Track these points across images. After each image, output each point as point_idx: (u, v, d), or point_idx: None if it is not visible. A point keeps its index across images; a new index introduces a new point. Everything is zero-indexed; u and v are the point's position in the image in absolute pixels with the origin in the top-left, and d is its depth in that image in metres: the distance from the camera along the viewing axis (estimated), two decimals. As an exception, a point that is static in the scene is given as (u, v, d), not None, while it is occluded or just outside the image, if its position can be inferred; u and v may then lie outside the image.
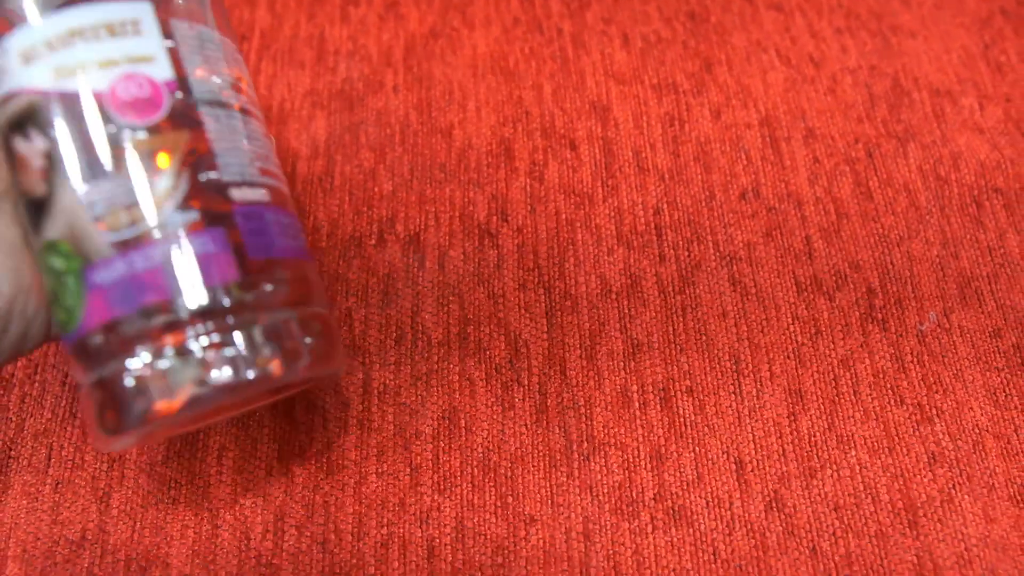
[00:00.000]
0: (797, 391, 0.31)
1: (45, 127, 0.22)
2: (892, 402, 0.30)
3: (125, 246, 0.22)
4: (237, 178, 0.24)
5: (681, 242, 0.33)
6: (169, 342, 0.21)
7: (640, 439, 0.30)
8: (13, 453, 0.29)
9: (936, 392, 0.31)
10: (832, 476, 0.29)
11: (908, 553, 0.28)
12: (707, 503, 0.29)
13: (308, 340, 0.23)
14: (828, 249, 0.33)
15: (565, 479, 0.29)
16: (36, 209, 0.22)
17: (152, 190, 0.22)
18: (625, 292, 0.32)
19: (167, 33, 0.23)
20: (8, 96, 0.22)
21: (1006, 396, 0.31)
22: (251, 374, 0.22)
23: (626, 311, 0.32)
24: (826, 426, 0.30)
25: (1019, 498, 0.29)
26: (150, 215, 0.22)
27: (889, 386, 0.31)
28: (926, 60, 0.37)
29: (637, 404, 0.30)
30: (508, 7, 0.38)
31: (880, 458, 0.30)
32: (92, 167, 0.22)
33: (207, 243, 0.22)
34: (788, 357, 0.31)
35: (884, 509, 0.29)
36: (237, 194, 0.23)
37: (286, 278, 0.24)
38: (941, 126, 0.36)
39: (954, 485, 0.29)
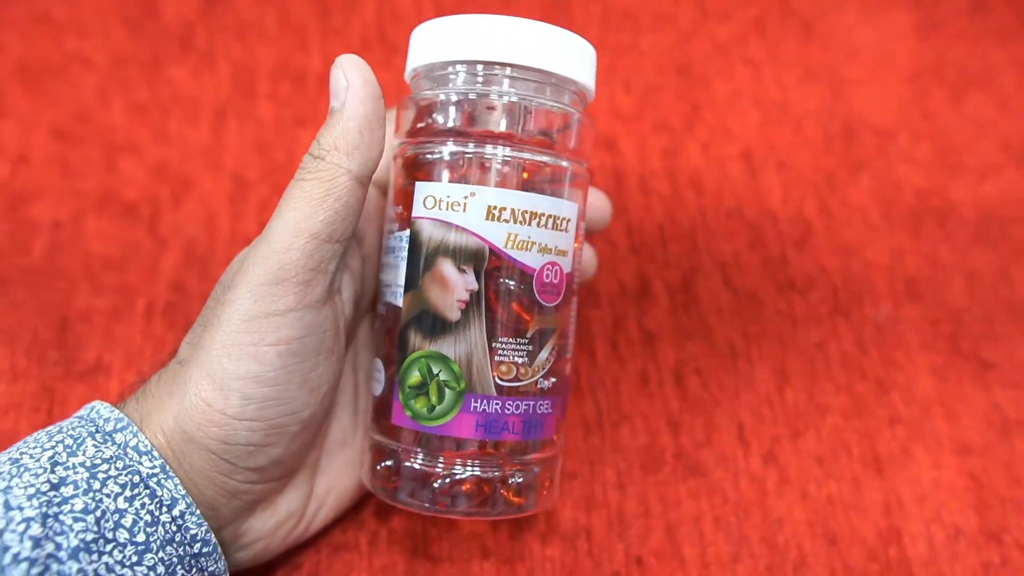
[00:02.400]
0: (782, 370, 0.38)
1: (480, 272, 0.27)
2: (857, 377, 0.38)
3: (504, 392, 0.27)
4: (569, 354, 0.29)
5: (681, 252, 0.40)
6: (487, 466, 0.28)
7: (659, 410, 0.36)
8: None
9: (892, 369, 0.38)
10: (814, 436, 0.36)
11: (877, 494, 0.35)
12: (716, 459, 0.35)
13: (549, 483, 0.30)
14: (800, 257, 0.41)
15: (599, 442, 0.35)
16: (437, 324, 0.27)
17: (538, 357, 0.28)
18: (639, 292, 0.39)
19: (576, 233, 0.29)
20: (455, 227, 0.27)
21: (946, 372, 0.38)
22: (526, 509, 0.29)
23: (641, 307, 0.39)
24: (807, 397, 0.37)
25: (960, 451, 0.36)
26: (529, 375, 0.27)
27: (854, 365, 0.38)
28: (870, 105, 0.46)
29: (655, 382, 0.37)
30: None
31: (851, 421, 0.36)
32: (506, 325, 0.27)
33: (548, 406, 0.28)
34: (773, 343, 0.38)
35: (856, 461, 0.35)
36: (567, 368, 0.29)
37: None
38: (884, 159, 0.44)
39: (910, 441, 0.36)
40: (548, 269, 0.28)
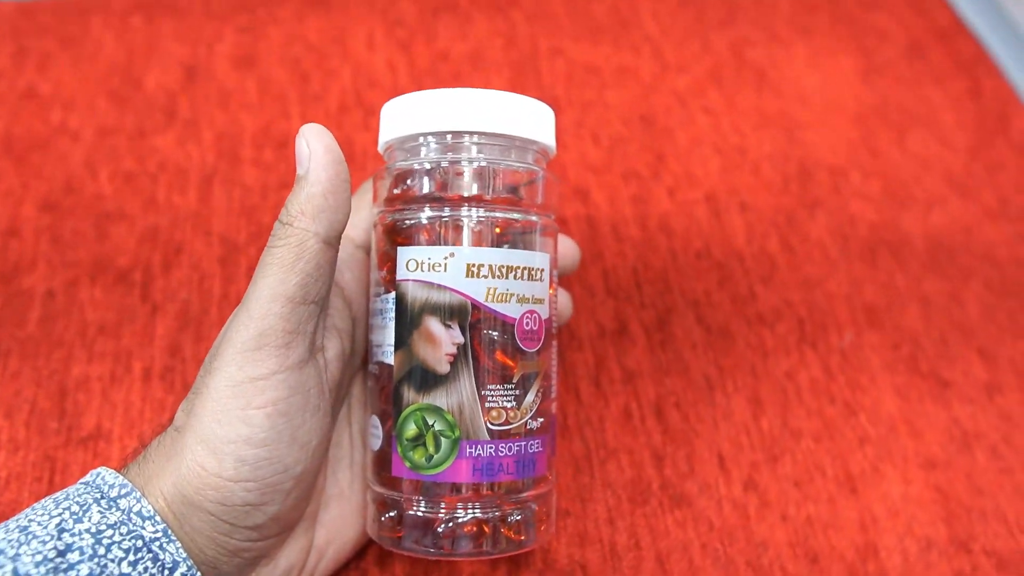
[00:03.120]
0: (756, 399, 0.40)
1: (464, 326, 0.28)
2: (827, 402, 0.40)
3: (496, 435, 0.29)
4: (553, 394, 0.31)
5: (655, 293, 0.42)
6: (488, 509, 0.29)
7: (643, 444, 0.38)
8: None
9: (858, 392, 0.40)
10: (790, 460, 0.38)
11: (852, 512, 0.37)
12: (699, 488, 0.37)
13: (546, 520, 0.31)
14: (766, 292, 0.43)
15: (589, 479, 0.37)
16: (428, 378, 0.29)
17: (524, 400, 0.29)
18: (617, 333, 0.41)
19: (550, 281, 0.31)
20: (438, 286, 0.28)
21: (908, 392, 0.41)
22: (522, 546, 0.30)
23: (620, 347, 0.41)
24: (781, 423, 0.39)
25: (926, 465, 0.38)
26: (518, 418, 0.29)
27: (823, 390, 0.40)
28: (822, 147, 0.49)
29: (637, 418, 0.39)
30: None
31: (823, 444, 0.39)
32: (493, 373, 0.29)
33: (538, 444, 0.30)
34: (746, 374, 0.40)
35: (831, 481, 0.38)
36: (553, 407, 0.31)
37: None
38: (838, 196, 0.47)
39: (879, 459, 0.38)
40: (527, 317, 0.30)
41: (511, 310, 0.29)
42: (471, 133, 0.30)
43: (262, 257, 0.28)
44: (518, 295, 0.29)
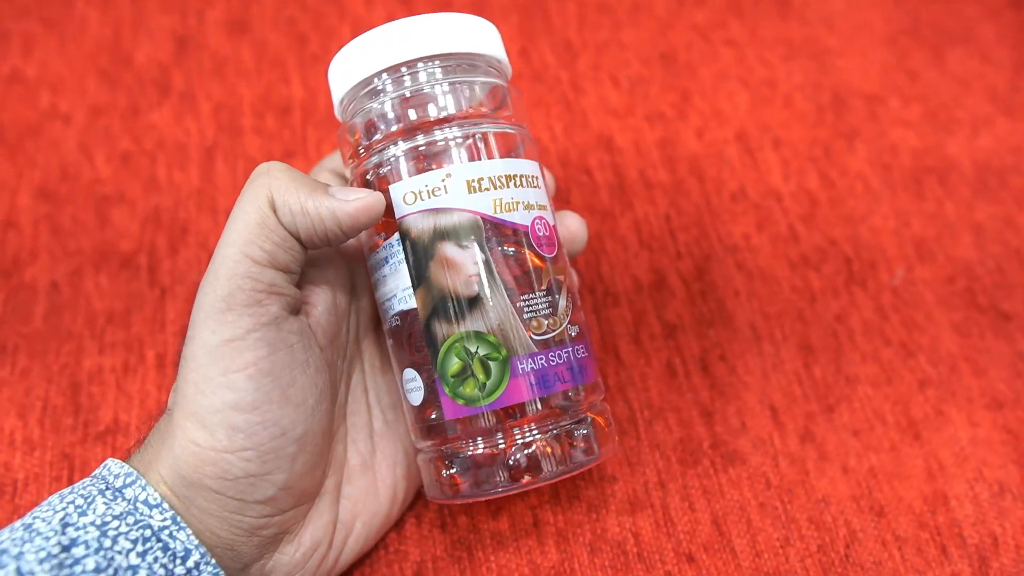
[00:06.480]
0: (807, 346, 0.37)
1: (481, 244, 0.27)
2: (882, 344, 0.37)
3: (542, 345, 0.28)
4: (579, 302, 0.30)
5: (691, 240, 0.40)
6: (550, 426, 0.28)
7: (690, 401, 0.36)
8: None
9: (914, 332, 0.38)
10: (847, 409, 0.36)
11: (918, 460, 0.35)
12: (753, 444, 0.35)
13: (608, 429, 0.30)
14: (808, 231, 0.40)
15: (635, 442, 0.35)
16: (460, 304, 0.27)
17: (559, 307, 0.29)
18: (655, 286, 0.39)
19: (546, 190, 0.30)
20: (444, 210, 0.27)
21: (967, 327, 0.38)
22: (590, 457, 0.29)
23: (658, 301, 0.38)
24: (835, 370, 0.37)
25: (992, 405, 0.36)
26: (558, 325, 0.28)
27: (877, 332, 0.38)
28: (855, 73, 0.46)
29: (682, 374, 0.37)
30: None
31: (881, 389, 0.36)
32: (523, 283, 0.28)
33: (583, 350, 0.29)
34: (794, 320, 0.38)
35: (892, 428, 0.35)
36: (582, 316, 0.30)
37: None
38: (877, 124, 0.44)
39: (942, 401, 0.36)
40: (538, 223, 0.29)
41: (522, 218, 0.28)
42: (426, 59, 0.29)
43: (230, 217, 0.27)
44: (523, 202, 0.28)
